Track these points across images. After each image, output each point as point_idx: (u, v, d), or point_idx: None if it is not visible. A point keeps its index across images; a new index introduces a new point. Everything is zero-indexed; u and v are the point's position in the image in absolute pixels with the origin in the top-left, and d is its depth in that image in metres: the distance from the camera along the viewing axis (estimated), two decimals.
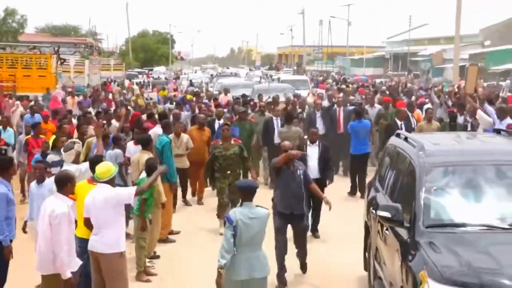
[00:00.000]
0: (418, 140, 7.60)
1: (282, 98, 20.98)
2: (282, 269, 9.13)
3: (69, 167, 8.71)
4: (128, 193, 7.60)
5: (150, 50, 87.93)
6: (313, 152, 11.67)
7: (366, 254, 8.95)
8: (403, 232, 6.52)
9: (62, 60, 35.90)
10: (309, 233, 10.54)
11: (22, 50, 36.98)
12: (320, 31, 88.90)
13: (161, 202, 10.10)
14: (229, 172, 11.90)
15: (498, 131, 8.71)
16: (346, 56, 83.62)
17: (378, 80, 51.88)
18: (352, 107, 17.65)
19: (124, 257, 7.66)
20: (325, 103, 19.47)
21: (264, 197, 9.30)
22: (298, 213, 9.22)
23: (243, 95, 21.90)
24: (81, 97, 24.97)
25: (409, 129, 14.90)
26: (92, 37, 77.01)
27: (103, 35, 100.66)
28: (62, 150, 9.96)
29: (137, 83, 40.50)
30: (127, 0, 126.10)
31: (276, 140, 15.27)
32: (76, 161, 9.39)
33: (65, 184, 7.19)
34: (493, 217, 6.30)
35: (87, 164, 9.05)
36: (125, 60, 69.03)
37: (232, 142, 12.14)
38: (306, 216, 9.53)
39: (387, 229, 7.13)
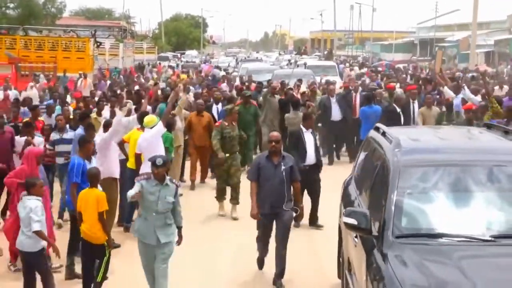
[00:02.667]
0: (395, 135, 6.77)
1: (304, 84, 20.94)
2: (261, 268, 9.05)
3: (123, 119, 11.06)
4: (161, 126, 10.46)
5: (183, 34, 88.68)
6: (309, 139, 11.48)
7: (340, 260, 8.18)
8: (371, 242, 5.72)
9: (98, 43, 37.96)
10: (305, 232, 10.76)
11: (58, 33, 39.23)
12: (351, 16, 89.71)
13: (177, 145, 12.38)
14: (228, 155, 12.05)
15: (488, 126, 7.64)
16: (370, 41, 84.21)
17: (401, 65, 52.87)
18: (364, 92, 17.75)
19: None
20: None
21: None
22: (278, 212, 8.57)
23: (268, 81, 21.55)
24: (92, 80, 26.58)
25: (408, 115, 15.03)
26: (126, 20, 78.30)
27: (137, 18, 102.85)
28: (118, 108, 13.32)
29: (169, 66, 42.62)
30: None
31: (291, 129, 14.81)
32: (127, 115, 11.80)
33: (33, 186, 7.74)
34: (474, 227, 5.49)
35: (134, 116, 11.55)
36: (158, 43, 70.85)
37: (234, 123, 12.50)
38: (289, 210, 8.67)
39: (356, 237, 6.34)
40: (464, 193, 5.84)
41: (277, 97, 16.80)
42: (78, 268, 8.55)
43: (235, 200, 12.06)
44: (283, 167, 8.52)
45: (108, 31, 59.95)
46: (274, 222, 8.63)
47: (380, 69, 40.35)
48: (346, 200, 7.95)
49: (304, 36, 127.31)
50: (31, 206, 7.44)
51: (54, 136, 11.63)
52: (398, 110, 15.16)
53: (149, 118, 10.72)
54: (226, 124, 12.31)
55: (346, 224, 5.90)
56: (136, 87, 21.93)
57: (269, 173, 8.51)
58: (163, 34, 79.47)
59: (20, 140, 11.02)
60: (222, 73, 34.15)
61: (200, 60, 58.51)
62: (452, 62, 63.96)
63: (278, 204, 8.50)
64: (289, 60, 45.54)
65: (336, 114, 16.70)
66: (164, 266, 7.50)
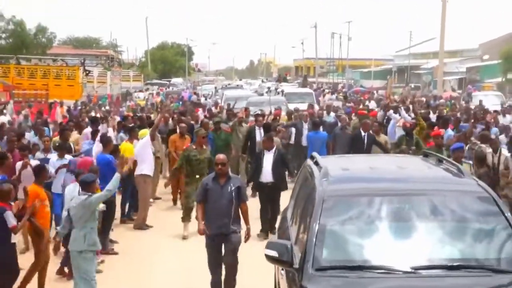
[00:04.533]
0: (325, 164, 6.79)
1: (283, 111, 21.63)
2: None
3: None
4: (147, 138, 13.29)
5: (169, 62, 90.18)
6: (268, 158, 12.34)
7: None
8: (293, 275, 5.63)
9: (87, 72, 40.21)
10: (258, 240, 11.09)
11: (47, 62, 41.51)
12: (332, 44, 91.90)
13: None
14: (198, 176, 12.17)
15: (425, 154, 7.78)
16: (346, 68, 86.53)
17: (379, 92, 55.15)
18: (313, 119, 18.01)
19: None
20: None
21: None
22: (225, 232, 8.57)
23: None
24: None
25: (370, 141, 15.01)
26: (113, 49, 79.38)
27: (123, 47, 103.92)
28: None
29: (155, 93, 45.18)
30: (147, 14, 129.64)
31: (257, 149, 15.29)
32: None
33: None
34: (395, 258, 5.43)
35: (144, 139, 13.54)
36: (144, 71, 72.66)
37: (205, 147, 12.89)
38: (238, 231, 8.71)
39: (282, 269, 6.26)
40: (387, 224, 5.79)
41: (245, 125, 17.21)
42: None
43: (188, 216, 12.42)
44: (230, 188, 8.58)
45: (96, 60, 61.96)
46: (223, 246, 8.62)
47: (353, 96, 42.63)
48: (281, 229, 7.92)
49: (288, 64, 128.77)
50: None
51: (38, 155, 12.37)
52: (363, 134, 15.16)
53: (142, 132, 14.00)
54: (194, 147, 12.72)
55: (266, 256, 5.77)
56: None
57: (216, 194, 8.58)
58: (149, 62, 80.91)
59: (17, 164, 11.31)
60: (203, 99, 36.32)
61: (184, 88, 60.85)
62: (427, 89, 66.41)
63: (227, 224, 8.53)
64: (268, 88, 46.67)
65: (305, 139, 17.05)
66: None
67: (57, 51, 61.41)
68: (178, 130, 15.90)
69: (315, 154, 7.73)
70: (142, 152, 13.24)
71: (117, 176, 8.65)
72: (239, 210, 8.74)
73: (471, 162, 11.29)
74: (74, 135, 15.74)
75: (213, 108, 26.46)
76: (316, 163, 7.08)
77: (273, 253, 5.70)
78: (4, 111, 23.01)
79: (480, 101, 30.75)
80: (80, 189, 8.58)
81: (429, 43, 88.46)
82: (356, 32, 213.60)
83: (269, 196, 12.40)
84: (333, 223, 5.75)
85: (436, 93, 43.36)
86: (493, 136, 13.44)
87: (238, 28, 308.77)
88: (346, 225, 5.84)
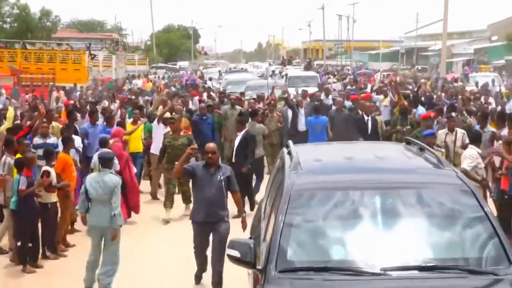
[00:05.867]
0: (297, 154, 6.27)
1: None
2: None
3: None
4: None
5: (174, 45, 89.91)
6: (237, 140, 12.82)
7: None
8: (257, 277, 5.27)
9: (92, 56, 40.11)
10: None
11: (51, 46, 41.42)
12: (340, 26, 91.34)
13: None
14: (176, 163, 11.58)
15: (408, 142, 7.24)
16: (351, 50, 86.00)
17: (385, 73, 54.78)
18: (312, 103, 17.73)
19: None
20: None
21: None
22: (215, 220, 8.45)
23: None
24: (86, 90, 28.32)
25: (375, 125, 14.79)
26: (118, 32, 79.80)
27: (128, 30, 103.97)
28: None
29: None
30: None
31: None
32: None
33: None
34: (365, 259, 5.01)
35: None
36: (149, 55, 72.62)
37: (182, 133, 12.73)
38: (227, 221, 8.55)
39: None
40: (358, 221, 5.31)
41: (238, 108, 16.82)
42: None
43: (188, 199, 12.33)
44: (219, 177, 8.48)
45: (101, 44, 61.90)
46: (211, 235, 8.52)
47: (359, 78, 42.25)
48: (253, 224, 7.59)
49: (297, 46, 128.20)
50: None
51: (37, 140, 12.24)
52: (366, 118, 14.89)
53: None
54: (170, 133, 12.71)
55: (228, 256, 5.38)
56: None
57: (205, 182, 8.46)
58: (154, 45, 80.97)
59: None
60: (210, 83, 36.17)
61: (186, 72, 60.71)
62: (435, 71, 66.13)
63: (215, 212, 8.43)
64: (272, 71, 46.42)
65: (302, 124, 16.67)
66: None
67: (62, 34, 61.33)
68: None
69: (289, 142, 7.22)
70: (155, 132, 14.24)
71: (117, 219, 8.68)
72: (227, 199, 8.65)
73: (442, 150, 11.21)
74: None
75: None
76: (289, 153, 6.57)
77: (235, 253, 5.28)
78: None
79: (476, 83, 30.56)
80: (100, 166, 8.94)
81: (438, 24, 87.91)
82: (365, 13, 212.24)
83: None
84: (299, 220, 5.32)
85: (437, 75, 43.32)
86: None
87: (245, 11, 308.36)
88: (314, 222, 5.38)
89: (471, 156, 10.02)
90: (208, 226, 8.46)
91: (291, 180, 5.65)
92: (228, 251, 5.38)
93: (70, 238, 11.00)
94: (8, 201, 9.89)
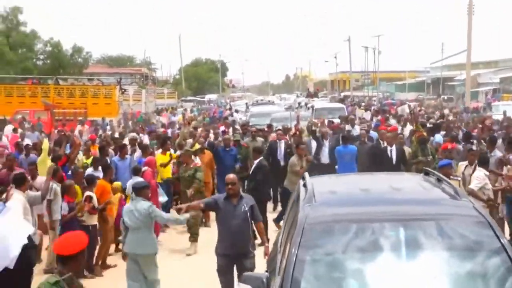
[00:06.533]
0: (311, 186, 6.19)
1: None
2: None
3: None
4: None
5: (202, 78, 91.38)
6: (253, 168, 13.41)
7: None
8: None
9: (123, 90, 41.30)
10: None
11: (82, 81, 42.76)
12: (366, 58, 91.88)
13: None
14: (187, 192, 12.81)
15: (426, 173, 7.11)
16: (377, 81, 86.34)
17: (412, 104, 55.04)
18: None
19: None
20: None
21: None
22: (240, 252, 8.34)
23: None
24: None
25: (400, 155, 14.56)
26: (147, 67, 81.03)
27: (157, 64, 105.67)
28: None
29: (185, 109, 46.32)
30: (180, 31, 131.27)
31: (282, 163, 16.00)
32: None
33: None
34: None
35: None
36: (178, 89, 73.80)
37: (192, 165, 13.17)
38: (252, 255, 8.48)
39: None
40: (373, 254, 5.22)
41: (259, 140, 17.10)
42: None
43: (193, 236, 12.66)
44: (244, 208, 8.42)
45: (131, 78, 63.33)
46: (235, 268, 8.41)
47: (386, 108, 42.63)
48: (270, 256, 7.55)
49: (324, 78, 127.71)
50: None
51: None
52: (390, 149, 14.69)
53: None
54: (184, 165, 13.35)
55: None
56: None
57: (229, 214, 8.38)
58: (183, 79, 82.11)
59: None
60: (237, 115, 36.98)
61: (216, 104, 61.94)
62: (461, 100, 66.30)
63: (241, 244, 8.34)
64: (298, 103, 45.98)
65: (325, 157, 16.64)
66: None
67: (92, 70, 63.02)
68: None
69: (306, 174, 7.16)
70: None
71: (186, 216, 9.21)
72: (251, 230, 8.60)
73: (459, 178, 11.16)
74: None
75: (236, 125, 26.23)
76: (305, 185, 6.49)
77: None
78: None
79: (504, 112, 30.43)
80: (134, 195, 9.29)
81: (464, 54, 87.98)
82: (390, 45, 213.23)
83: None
84: (313, 253, 5.22)
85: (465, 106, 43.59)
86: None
87: (272, 43, 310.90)
88: (328, 255, 5.27)
89: (478, 178, 10.55)
90: (233, 258, 8.34)
91: (305, 213, 5.59)
92: (241, 286, 5.39)
93: (112, 259, 11.79)
94: (53, 224, 10.73)
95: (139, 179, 11.90)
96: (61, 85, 39.17)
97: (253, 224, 8.66)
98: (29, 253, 7.87)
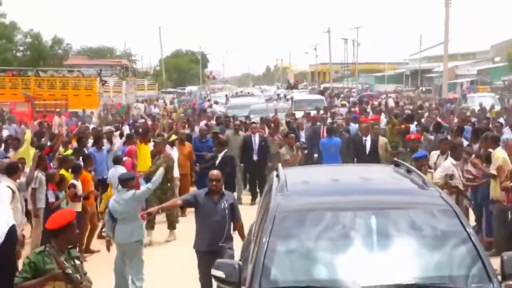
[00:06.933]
0: (284, 177, 6.39)
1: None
2: None
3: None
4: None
5: (183, 70, 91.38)
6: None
7: None
8: None
9: (103, 82, 41.47)
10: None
11: (62, 73, 42.86)
12: (346, 49, 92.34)
13: None
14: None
15: (397, 164, 7.33)
16: (357, 73, 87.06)
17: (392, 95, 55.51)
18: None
19: None
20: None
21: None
22: (219, 250, 8.18)
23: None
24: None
25: (374, 145, 14.83)
26: (127, 58, 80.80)
27: (138, 56, 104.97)
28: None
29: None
30: (160, 23, 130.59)
31: (255, 157, 16.29)
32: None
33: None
34: (346, 278, 5.14)
35: None
36: (159, 80, 73.64)
37: (162, 156, 13.25)
38: (232, 253, 8.36)
39: None
40: (341, 241, 5.47)
41: (241, 134, 17.05)
42: None
43: (170, 225, 13.14)
44: (223, 205, 8.34)
45: (111, 70, 63.31)
46: None
47: (365, 99, 43.07)
48: (244, 245, 7.69)
49: (304, 69, 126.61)
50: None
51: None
52: (364, 139, 15.05)
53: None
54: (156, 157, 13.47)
55: (214, 277, 5.52)
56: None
57: (209, 210, 8.30)
58: (163, 71, 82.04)
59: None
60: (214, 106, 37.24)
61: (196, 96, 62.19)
62: (439, 92, 67.01)
63: (218, 241, 8.27)
64: (278, 95, 46.10)
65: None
66: None
67: (73, 61, 62.77)
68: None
69: (279, 165, 7.31)
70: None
71: (161, 171, 9.76)
72: (230, 227, 8.50)
73: (432, 171, 11.23)
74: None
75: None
76: (277, 176, 6.66)
77: (220, 274, 5.40)
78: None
79: (480, 104, 30.60)
80: (121, 186, 9.57)
81: (442, 46, 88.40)
82: (370, 37, 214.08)
83: None
84: (283, 241, 5.44)
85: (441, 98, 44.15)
86: None
87: (252, 35, 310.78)
88: (297, 242, 5.49)
89: (443, 166, 10.97)
90: (213, 255, 7.87)
91: (277, 202, 5.78)
92: (214, 271, 5.46)
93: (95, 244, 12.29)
94: (37, 212, 11.04)
95: (120, 168, 12.32)
96: (42, 77, 39.25)
97: (233, 223, 8.53)
98: (12, 239, 8.43)
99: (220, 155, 14.00)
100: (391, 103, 33.68)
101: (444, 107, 31.10)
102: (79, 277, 5.78)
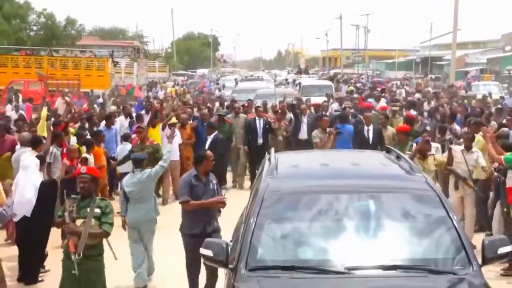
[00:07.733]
0: (275, 160, 6.64)
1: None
2: None
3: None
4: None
5: (194, 53, 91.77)
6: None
7: None
8: (229, 275, 5.52)
9: (115, 63, 42.07)
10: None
11: (74, 53, 43.50)
12: (357, 36, 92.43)
13: None
14: None
15: (388, 150, 7.59)
16: (366, 59, 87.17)
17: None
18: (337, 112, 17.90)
19: None
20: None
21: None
22: (210, 231, 8.10)
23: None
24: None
25: (377, 135, 14.85)
26: (139, 40, 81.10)
27: (149, 38, 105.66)
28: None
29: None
30: (172, 4, 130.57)
31: (259, 140, 16.24)
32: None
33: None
34: (330, 258, 5.32)
35: None
36: (170, 62, 74.21)
37: (148, 143, 13.03)
38: (218, 233, 8.27)
39: None
40: (326, 223, 5.65)
41: (243, 116, 16.98)
42: None
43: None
44: (212, 185, 8.34)
45: (123, 51, 63.81)
46: None
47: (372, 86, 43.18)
48: (236, 227, 7.73)
49: (316, 55, 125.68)
50: None
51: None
52: (366, 129, 15.05)
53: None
54: (138, 143, 13.19)
55: (203, 256, 5.66)
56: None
57: (201, 191, 8.23)
58: (174, 53, 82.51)
59: None
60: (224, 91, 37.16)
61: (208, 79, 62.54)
62: (448, 80, 66.99)
63: (213, 223, 8.27)
64: (286, 80, 45.95)
65: (303, 133, 16.49)
66: None
67: (85, 42, 63.41)
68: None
69: (271, 149, 7.59)
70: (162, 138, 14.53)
71: (169, 146, 10.02)
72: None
73: (434, 153, 11.38)
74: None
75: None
76: (269, 159, 6.85)
77: (208, 253, 5.53)
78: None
79: (490, 93, 30.39)
80: (134, 167, 9.71)
81: (452, 34, 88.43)
82: (381, 23, 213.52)
83: None
84: (270, 222, 5.62)
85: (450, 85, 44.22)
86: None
87: (264, 19, 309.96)
88: (284, 224, 5.69)
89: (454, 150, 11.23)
90: (204, 238, 7.53)
91: (265, 184, 5.97)
92: (202, 250, 5.58)
93: None
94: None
95: (128, 145, 13.31)
96: (55, 57, 39.90)
97: None
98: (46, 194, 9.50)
99: (210, 137, 14.25)
100: (402, 93, 32.03)
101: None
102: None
